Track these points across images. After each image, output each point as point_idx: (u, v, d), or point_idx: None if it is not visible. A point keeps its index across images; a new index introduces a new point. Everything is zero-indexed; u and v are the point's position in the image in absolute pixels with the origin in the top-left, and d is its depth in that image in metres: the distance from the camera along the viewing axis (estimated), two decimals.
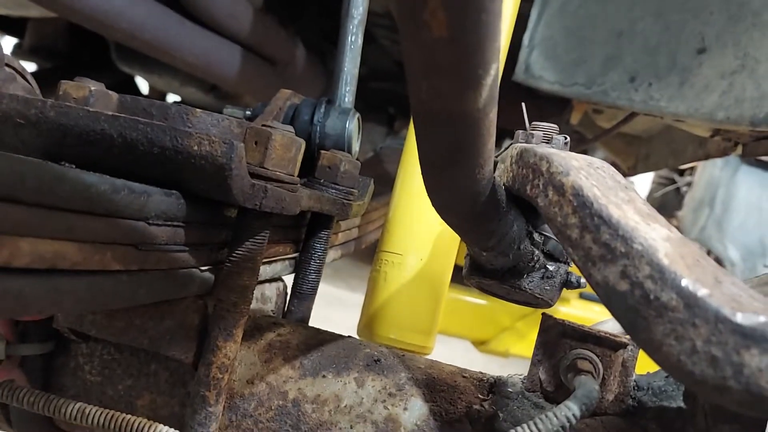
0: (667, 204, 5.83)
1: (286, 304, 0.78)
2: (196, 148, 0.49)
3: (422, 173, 0.55)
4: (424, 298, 0.89)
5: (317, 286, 0.78)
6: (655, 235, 0.47)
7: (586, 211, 0.48)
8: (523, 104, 0.83)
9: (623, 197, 0.51)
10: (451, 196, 0.56)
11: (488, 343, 2.12)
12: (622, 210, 0.48)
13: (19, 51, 2.22)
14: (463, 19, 0.36)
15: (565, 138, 0.75)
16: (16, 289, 0.37)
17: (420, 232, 0.89)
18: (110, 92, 0.61)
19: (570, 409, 0.48)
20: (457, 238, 0.93)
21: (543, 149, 0.56)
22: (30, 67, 2.33)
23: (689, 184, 5.54)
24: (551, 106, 2.11)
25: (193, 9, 1.24)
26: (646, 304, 0.44)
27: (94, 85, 0.60)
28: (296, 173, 0.58)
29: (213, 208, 0.56)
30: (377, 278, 0.90)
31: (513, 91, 1.65)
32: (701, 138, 2.19)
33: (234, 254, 0.57)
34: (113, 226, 0.44)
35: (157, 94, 2.61)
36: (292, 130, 0.58)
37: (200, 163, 0.49)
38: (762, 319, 0.40)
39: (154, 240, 0.48)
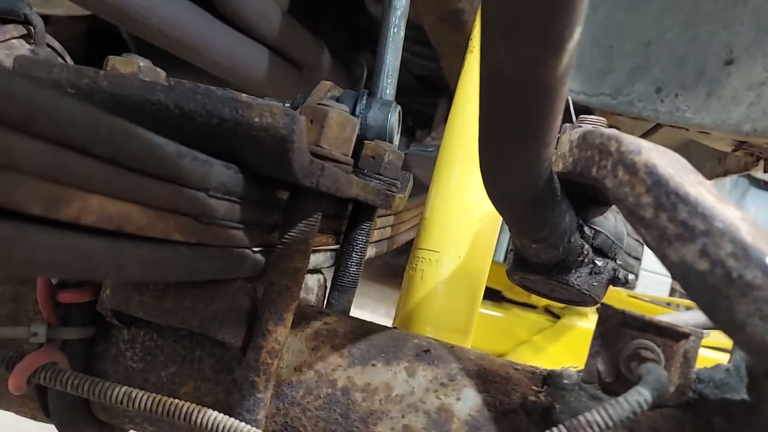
0: None
1: (326, 297, 0.77)
2: (257, 119, 0.48)
3: (481, 154, 0.53)
4: (461, 297, 0.87)
5: (358, 279, 0.76)
6: (732, 215, 0.45)
7: (662, 189, 0.46)
8: (569, 98, 0.82)
9: (695, 179, 0.50)
10: (511, 178, 0.55)
11: (505, 356, 2.10)
12: (697, 189, 0.47)
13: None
14: None
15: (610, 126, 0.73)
16: (86, 248, 0.35)
17: (458, 230, 0.88)
18: (158, 69, 0.60)
19: (642, 394, 0.46)
20: (494, 236, 0.91)
21: (610, 130, 0.54)
22: None
23: None
24: (570, 118, 2.09)
25: (223, 8, 1.24)
26: (728, 282, 0.42)
27: (143, 61, 0.59)
28: (351, 154, 0.57)
29: (267, 187, 0.54)
30: (413, 276, 0.89)
31: None
32: (721, 153, 2.17)
33: (287, 236, 0.55)
34: (177, 194, 0.42)
35: None
36: (348, 110, 0.57)
37: (261, 135, 0.48)
38: None
39: (213, 213, 0.47)
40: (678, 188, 0.46)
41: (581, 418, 0.46)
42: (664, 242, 0.46)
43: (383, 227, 0.95)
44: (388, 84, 0.84)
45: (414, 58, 2.11)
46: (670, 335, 0.56)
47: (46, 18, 1.94)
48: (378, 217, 0.91)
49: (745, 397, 0.55)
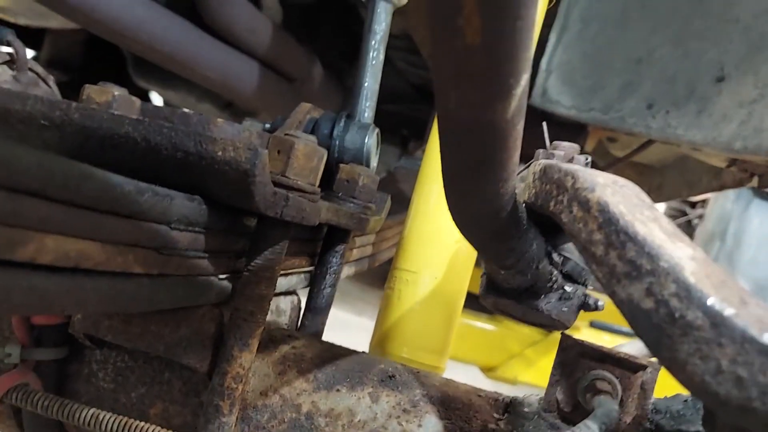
0: None
1: (300, 318, 0.78)
2: (220, 153, 0.49)
3: (444, 186, 0.55)
4: (438, 317, 0.88)
5: (332, 301, 0.77)
6: (680, 253, 0.46)
7: (612, 228, 0.48)
8: (545, 123, 0.83)
9: (648, 215, 0.51)
10: (473, 211, 0.56)
11: (497, 369, 2.11)
12: (647, 227, 0.48)
13: (40, 63, 2.23)
14: (498, 26, 0.35)
15: (587, 158, 0.74)
16: (41, 287, 0.37)
17: (435, 250, 0.89)
18: (133, 98, 0.62)
19: (589, 428, 0.47)
20: (472, 257, 0.92)
21: (568, 165, 0.55)
22: None
23: (700, 217, 5.52)
24: (565, 133, 2.10)
25: (213, 23, 1.25)
26: (671, 322, 0.43)
27: (117, 90, 0.60)
28: (317, 183, 0.58)
29: (233, 216, 0.55)
30: (391, 296, 0.90)
31: (528, 115, 1.65)
32: (716, 168, 2.18)
33: (252, 263, 0.56)
34: (137, 228, 0.43)
35: None
36: (315, 140, 0.58)
37: (224, 168, 0.49)
38: None
39: (175, 245, 0.48)
40: (627, 227, 0.47)
41: None
42: (613, 279, 0.47)
43: (363, 246, 0.96)
44: (367, 107, 0.85)
45: (409, 68, 2.12)
46: (628, 366, 0.57)
47: (43, 30, 1.95)
48: (358, 236, 0.92)
49: (700, 429, 0.56)
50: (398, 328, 0.88)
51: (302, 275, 0.76)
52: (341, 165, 0.75)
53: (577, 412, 0.57)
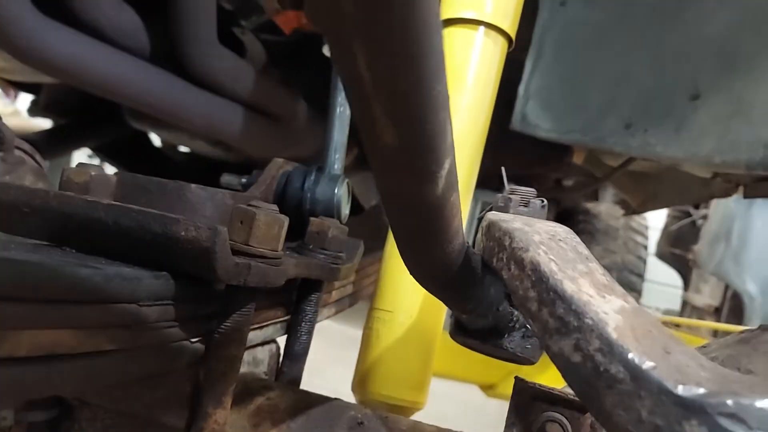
0: (683, 237, 5.81)
1: (280, 365, 0.82)
2: (183, 233, 0.54)
3: (398, 249, 0.59)
4: (415, 355, 0.92)
5: (308, 347, 0.81)
6: (607, 308, 0.50)
7: (543, 286, 0.52)
8: (503, 168, 0.87)
9: (581, 269, 0.55)
10: (424, 269, 0.60)
11: (496, 387, 2.13)
12: (577, 284, 0.52)
13: (35, 108, 2.29)
14: (410, 131, 0.40)
15: (542, 202, 0.78)
16: (17, 377, 0.41)
17: (409, 290, 0.93)
18: (109, 175, 0.66)
19: None
20: None
21: (507, 225, 0.60)
22: (46, 123, 2.41)
23: (704, 217, 5.53)
24: (554, 148, 2.15)
25: (197, 73, 1.30)
26: (596, 375, 0.47)
27: (94, 170, 0.65)
28: (280, 248, 0.62)
29: (201, 285, 0.60)
30: (369, 335, 0.94)
31: (513, 136, 1.69)
32: (705, 179, 2.22)
33: (222, 327, 0.61)
34: (106, 312, 0.48)
35: (169, 145, 2.68)
36: (276, 209, 0.62)
37: (187, 246, 0.54)
38: (702, 390, 0.43)
39: (145, 320, 0.52)
40: (556, 285, 0.51)
41: None
42: (546, 335, 0.51)
43: (343, 286, 1.00)
44: (336, 159, 0.89)
45: None
46: (578, 407, 0.61)
47: (39, 85, 2.00)
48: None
49: None
50: (377, 367, 0.92)
51: (278, 325, 0.80)
52: (311, 219, 0.79)
53: None
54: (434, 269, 0.60)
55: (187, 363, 0.61)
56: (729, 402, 0.42)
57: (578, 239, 0.62)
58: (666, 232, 6.08)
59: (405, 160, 0.43)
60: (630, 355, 0.46)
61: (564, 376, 0.50)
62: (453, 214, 0.53)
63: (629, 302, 0.54)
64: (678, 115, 1.57)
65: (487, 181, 2.27)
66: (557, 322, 0.50)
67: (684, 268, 5.75)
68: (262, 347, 0.79)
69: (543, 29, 1.65)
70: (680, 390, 0.44)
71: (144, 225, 0.55)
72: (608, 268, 4.44)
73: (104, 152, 2.30)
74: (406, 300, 0.92)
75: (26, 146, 0.76)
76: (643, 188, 2.89)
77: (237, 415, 0.66)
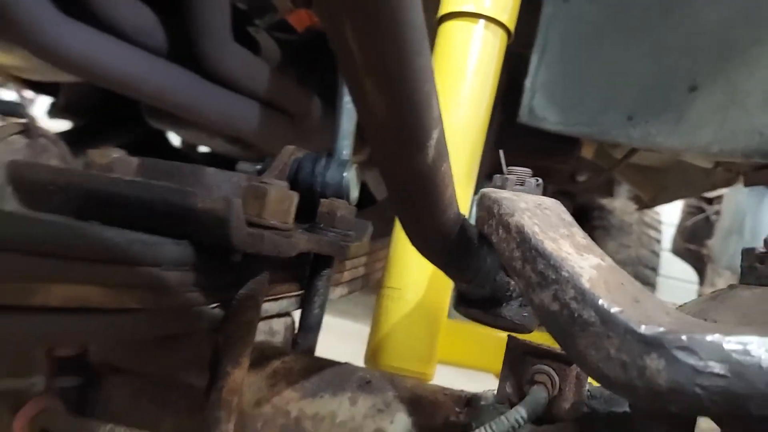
0: (697, 233, 5.80)
1: (295, 336, 0.88)
2: (200, 205, 0.59)
3: (398, 220, 0.65)
4: (422, 330, 0.98)
5: (321, 320, 0.87)
6: (584, 263, 0.56)
7: (526, 246, 0.57)
8: (501, 151, 0.93)
9: (563, 232, 0.60)
10: (422, 238, 0.66)
11: None
12: (557, 244, 0.57)
13: (54, 109, 2.35)
14: (397, 103, 0.45)
15: (537, 180, 0.83)
16: (50, 325, 0.47)
17: (416, 269, 0.98)
18: (131, 158, 0.72)
19: (519, 412, 0.57)
20: None
21: (496, 194, 0.65)
22: (65, 125, 2.49)
23: (718, 213, 5.52)
24: (562, 141, 2.19)
25: (213, 71, 1.37)
26: (572, 321, 0.52)
27: (116, 153, 0.71)
28: (290, 221, 0.68)
29: (220, 255, 0.66)
30: (380, 312, 0.99)
31: (523, 130, 1.75)
32: (707, 169, 2.26)
33: (238, 294, 0.66)
34: (130, 273, 0.54)
35: (188, 145, 2.76)
36: (287, 185, 0.68)
37: (205, 217, 0.60)
38: (661, 329, 0.48)
39: (166, 283, 0.58)
40: (537, 245, 0.56)
41: None
42: (529, 288, 0.56)
43: (355, 267, 1.06)
44: (345, 146, 0.95)
45: None
46: (563, 360, 0.66)
47: (57, 86, 2.07)
48: (350, 259, 1.02)
49: (627, 409, 0.65)
50: (387, 342, 0.98)
51: (293, 298, 0.86)
52: (322, 200, 0.85)
53: None
54: (431, 237, 0.65)
55: (208, 327, 0.67)
56: (683, 337, 0.47)
57: (564, 209, 0.67)
58: (680, 229, 6.08)
59: (395, 131, 0.48)
60: (600, 302, 0.51)
61: (544, 324, 0.55)
62: (445, 183, 0.59)
63: (606, 261, 0.59)
64: (677, 106, 1.61)
65: (498, 172, 2.31)
66: (538, 277, 0.55)
67: (699, 263, 5.74)
68: (278, 319, 0.85)
69: (547, 24, 1.69)
70: (642, 329, 0.49)
71: (164, 198, 0.61)
72: (623, 263, 4.45)
73: (123, 149, 2.37)
74: (414, 278, 0.98)
75: (50, 134, 0.82)
76: (652, 182, 2.93)
77: (254, 377, 0.72)
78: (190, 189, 0.60)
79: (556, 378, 0.65)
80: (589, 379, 0.68)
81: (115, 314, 0.53)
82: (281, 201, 0.66)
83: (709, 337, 0.47)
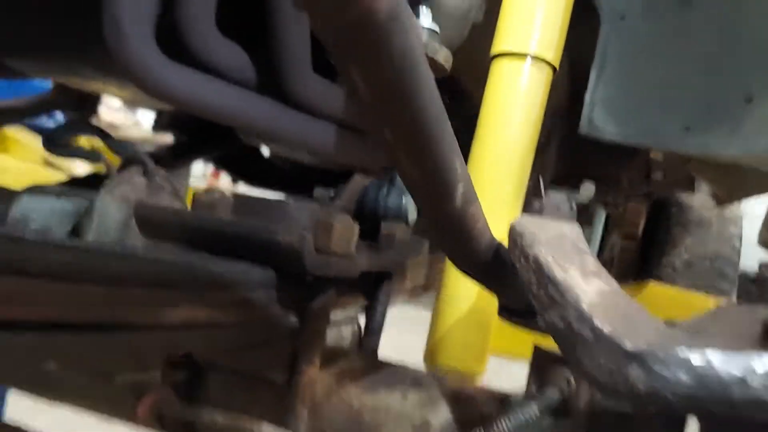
0: None
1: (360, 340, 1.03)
2: (281, 239, 0.75)
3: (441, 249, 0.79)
4: (474, 331, 1.11)
5: (382, 325, 1.02)
6: (588, 288, 0.68)
7: (541, 273, 0.70)
8: (540, 177, 1.05)
9: (575, 260, 0.73)
10: (460, 263, 0.80)
11: None
12: (567, 272, 0.70)
13: (158, 125, 2.59)
14: (427, 170, 0.60)
15: (572, 207, 0.96)
16: (173, 338, 0.64)
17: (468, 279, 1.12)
18: (228, 196, 0.89)
19: (531, 407, 0.70)
20: None
21: (520, 227, 0.78)
22: (167, 138, 2.72)
23: None
24: (628, 148, 2.26)
25: (295, 99, 1.54)
26: (573, 336, 0.65)
27: (218, 193, 0.88)
28: (352, 249, 0.83)
29: (297, 277, 0.81)
30: (437, 315, 1.14)
31: (587, 140, 1.85)
32: None
33: (311, 307, 0.82)
34: (227, 295, 0.70)
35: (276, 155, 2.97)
36: (350, 219, 0.83)
37: (285, 249, 0.75)
38: (643, 345, 0.61)
39: (255, 302, 0.74)
40: (550, 272, 0.69)
41: (492, 425, 0.70)
42: (542, 309, 0.69)
43: (416, 278, 1.20)
44: None
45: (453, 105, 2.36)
46: None
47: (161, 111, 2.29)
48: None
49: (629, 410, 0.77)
50: (443, 342, 1.12)
51: (359, 307, 1.01)
52: (383, 223, 1.00)
53: None
54: (467, 263, 0.79)
55: (288, 334, 0.83)
56: (659, 353, 0.60)
57: (581, 237, 0.79)
58: (766, 220, 5.92)
59: (426, 189, 0.63)
60: (595, 322, 0.64)
61: (554, 339, 0.68)
62: (475, 219, 0.72)
63: (611, 285, 0.72)
64: (733, 116, 1.68)
65: (563, 181, 2.41)
66: (549, 300, 0.68)
67: None
68: (345, 326, 1.01)
69: (605, 42, 1.79)
70: (627, 345, 0.62)
71: (254, 233, 0.77)
72: (701, 258, 4.39)
73: (220, 162, 2.59)
74: (466, 287, 1.12)
75: (162, 173, 1.00)
76: (731, 179, 2.95)
77: (325, 374, 0.88)
78: (274, 225, 0.76)
79: (573, 380, 0.77)
80: None
81: (217, 328, 0.70)
82: (345, 232, 0.82)
83: (679, 352, 0.59)
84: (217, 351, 0.86)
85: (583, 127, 1.84)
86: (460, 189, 0.65)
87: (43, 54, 1.23)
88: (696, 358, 0.59)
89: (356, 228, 0.84)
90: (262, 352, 0.85)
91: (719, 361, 0.58)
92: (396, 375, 0.88)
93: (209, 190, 0.88)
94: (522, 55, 1.14)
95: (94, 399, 0.95)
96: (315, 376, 0.84)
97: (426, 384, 0.86)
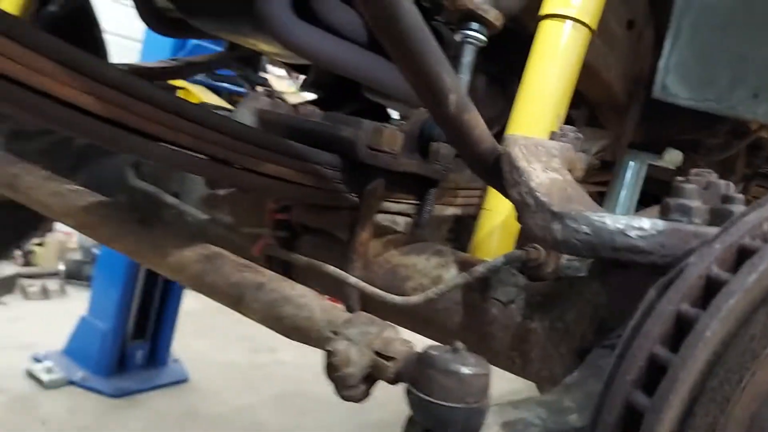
0: None
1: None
2: (343, 134, 1.11)
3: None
4: (505, 241, 1.42)
5: (428, 221, 1.35)
6: (543, 176, 0.99)
7: (511, 163, 1.01)
8: (563, 122, 1.33)
9: (543, 160, 1.03)
10: (470, 163, 1.12)
11: None
12: (531, 165, 1.01)
13: (304, 85, 3.03)
14: (421, 80, 0.93)
15: (578, 135, 1.24)
16: (269, 184, 1.02)
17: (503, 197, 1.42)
18: (317, 110, 1.26)
19: (498, 260, 1.02)
20: None
21: (512, 136, 1.08)
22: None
23: None
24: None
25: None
26: (526, 205, 0.96)
27: (311, 107, 1.25)
28: (397, 149, 1.17)
29: (356, 164, 1.16)
30: (478, 223, 1.45)
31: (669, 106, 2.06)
32: None
33: (365, 188, 1.18)
34: (308, 166, 1.07)
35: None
36: (397, 129, 1.18)
37: (345, 141, 1.11)
38: (567, 210, 0.91)
39: (325, 175, 1.11)
40: (516, 162, 1.00)
41: (471, 270, 1.02)
42: (509, 186, 1.00)
43: (468, 196, 1.53)
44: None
45: None
46: None
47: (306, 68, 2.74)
48: (465, 188, 1.49)
49: (585, 274, 1.06)
50: (482, 244, 1.43)
51: (410, 204, 1.35)
52: (431, 143, 1.33)
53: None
54: (473, 163, 1.11)
55: (350, 206, 1.19)
56: (573, 213, 0.90)
57: (563, 151, 1.08)
58: None
59: (424, 96, 0.95)
60: (537, 194, 0.95)
61: (516, 210, 0.99)
62: (471, 126, 1.04)
63: (564, 176, 1.02)
64: None
65: (649, 146, 2.61)
66: (513, 181, 0.99)
67: None
68: (399, 216, 1.35)
69: (680, 13, 1.98)
70: (554, 209, 0.92)
71: (326, 130, 1.13)
72: None
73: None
74: (502, 203, 1.42)
75: (281, 95, 1.39)
76: None
77: (376, 241, 1.23)
78: (340, 126, 1.12)
79: (542, 251, 1.08)
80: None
81: (299, 186, 1.07)
82: (391, 137, 1.16)
83: (587, 215, 0.89)
84: (305, 214, 1.24)
85: (656, 91, 2.05)
86: (452, 97, 0.97)
87: (215, 15, 1.65)
88: (595, 218, 0.89)
89: (401, 135, 1.18)
90: (332, 216, 1.22)
91: (611, 220, 0.88)
92: (425, 247, 1.22)
93: (307, 106, 1.26)
94: (563, 17, 1.42)
95: (229, 242, 1.34)
96: (367, 240, 1.19)
97: (446, 252, 1.19)
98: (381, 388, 0.83)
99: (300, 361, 5.15)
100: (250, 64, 2.66)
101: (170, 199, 1.29)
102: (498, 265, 1.03)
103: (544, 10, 1.45)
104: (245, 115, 1.28)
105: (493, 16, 1.43)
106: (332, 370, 0.77)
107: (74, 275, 5.98)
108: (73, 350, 4.29)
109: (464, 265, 1.16)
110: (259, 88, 1.48)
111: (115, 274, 4.16)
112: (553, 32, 1.44)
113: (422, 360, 0.70)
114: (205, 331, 5.36)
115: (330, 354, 0.77)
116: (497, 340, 1.05)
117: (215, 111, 1.17)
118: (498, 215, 1.42)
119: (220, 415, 4.19)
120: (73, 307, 4.97)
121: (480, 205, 1.57)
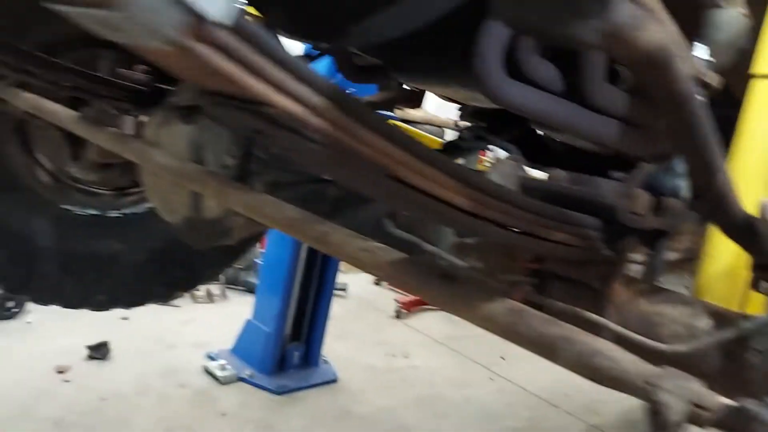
0: None
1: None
2: (608, 201, 1.29)
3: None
4: (728, 286, 1.56)
5: (660, 267, 1.51)
6: None
7: None
8: None
9: None
10: (722, 228, 1.28)
11: None
12: None
13: (463, 113, 3.23)
14: (698, 166, 1.09)
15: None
16: (531, 244, 1.21)
17: (725, 241, 1.57)
18: (560, 172, 1.45)
19: (765, 318, 1.17)
20: None
21: (765, 204, 1.23)
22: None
23: None
24: None
25: (590, 103, 2.05)
26: None
27: (558, 172, 1.43)
28: (644, 211, 1.34)
29: (614, 226, 1.34)
30: (701, 272, 1.60)
31: None
32: None
33: (621, 244, 1.35)
34: (574, 229, 1.25)
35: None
36: (646, 194, 1.34)
37: (608, 207, 1.29)
38: None
39: (589, 237, 1.29)
40: None
41: (734, 326, 1.19)
42: None
43: (689, 242, 1.68)
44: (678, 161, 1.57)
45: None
46: None
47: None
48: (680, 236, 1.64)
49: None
50: (708, 288, 1.59)
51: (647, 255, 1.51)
52: (663, 198, 1.49)
53: None
54: (726, 227, 1.26)
55: (604, 260, 1.37)
56: None
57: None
58: None
59: (696, 172, 1.12)
60: None
61: None
62: (729, 195, 1.19)
63: None
64: None
65: None
66: None
67: None
68: (637, 266, 1.51)
69: None
70: None
71: (589, 197, 1.31)
72: None
73: (510, 143, 3.17)
74: (725, 248, 1.57)
75: (519, 162, 1.58)
76: None
77: (625, 289, 1.41)
78: (597, 193, 1.30)
79: None
80: None
81: (563, 246, 1.25)
82: (643, 199, 1.33)
83: None
84: (560, 263, 1.42)
85: None
86: (719, 176, 1.13)
87: (422, 74, 1.85)
88: None
89: (648, 198, 1.35)
90: (588, 268, 1.40)
91: None
92: (670, 295, 1.38)
93: (553, 170, 1.44)
94: None
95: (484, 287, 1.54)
96: (619, 289, 1.37)
97: (693, 303, 1.36)
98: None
99: (432, 366, 5.39)
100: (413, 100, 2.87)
101: (430, 248, 1.50)
102: (763, 324, 1.19)
103: (758, 69, 1.58)
104: (497, 180, 1.48)
105: (715, 79, 1.57)
106: (658, 421, 0.95)
107: (232, 281, 6.61)
108: (240, 350, 4.78)
109: (716, 315, 1.32)
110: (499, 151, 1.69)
111: (275, 284, 4.57)
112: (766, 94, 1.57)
113: (743, 412, 0.87)
114: (346, 336, 5.69)
115: (656, 405, 0.95)
116: (757, 385, 1.20)
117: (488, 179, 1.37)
118: (721, 261, 1.57)
119: (369, 415, 4.47)
120: (234, 310, 5.61)
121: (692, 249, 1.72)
